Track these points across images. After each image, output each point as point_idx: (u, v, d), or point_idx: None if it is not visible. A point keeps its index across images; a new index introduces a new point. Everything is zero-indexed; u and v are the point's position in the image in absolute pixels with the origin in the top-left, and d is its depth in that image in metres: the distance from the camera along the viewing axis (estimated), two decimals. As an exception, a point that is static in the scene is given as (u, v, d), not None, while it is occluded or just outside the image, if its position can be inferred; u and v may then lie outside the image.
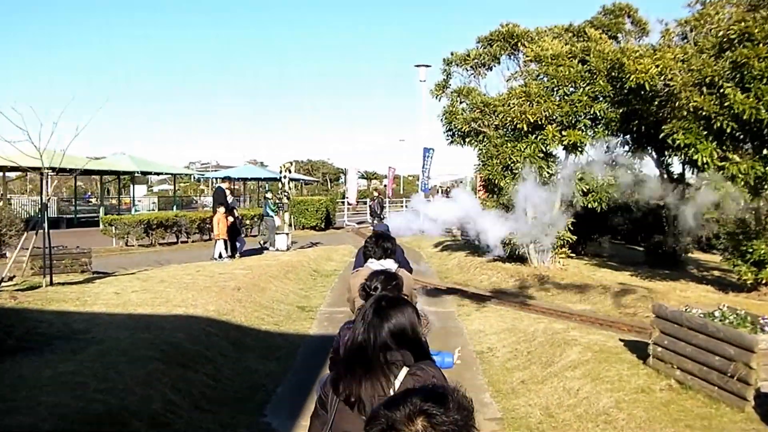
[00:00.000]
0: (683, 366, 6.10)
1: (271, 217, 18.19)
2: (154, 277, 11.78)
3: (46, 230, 10.17)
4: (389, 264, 4.32)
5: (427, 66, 24.91)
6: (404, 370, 2.12)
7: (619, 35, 13.70)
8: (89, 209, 34.48)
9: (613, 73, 11.91)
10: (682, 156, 10.12)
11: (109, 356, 6.51)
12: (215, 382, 6.78)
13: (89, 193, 48.55)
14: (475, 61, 13.71)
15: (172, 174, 34.19)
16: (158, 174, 34.96)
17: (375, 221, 26.36)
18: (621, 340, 7.58)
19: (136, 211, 28.33)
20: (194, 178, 46.05)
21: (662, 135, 10.25)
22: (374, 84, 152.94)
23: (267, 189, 24.11)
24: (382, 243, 4.44)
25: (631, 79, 10.84)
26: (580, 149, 12.88)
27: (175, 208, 31.17)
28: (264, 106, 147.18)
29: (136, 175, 30.14)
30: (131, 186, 32.94)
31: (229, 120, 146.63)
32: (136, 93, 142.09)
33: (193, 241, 20.65)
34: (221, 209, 15.44)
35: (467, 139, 13.74)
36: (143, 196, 38.28)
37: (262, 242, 19.14)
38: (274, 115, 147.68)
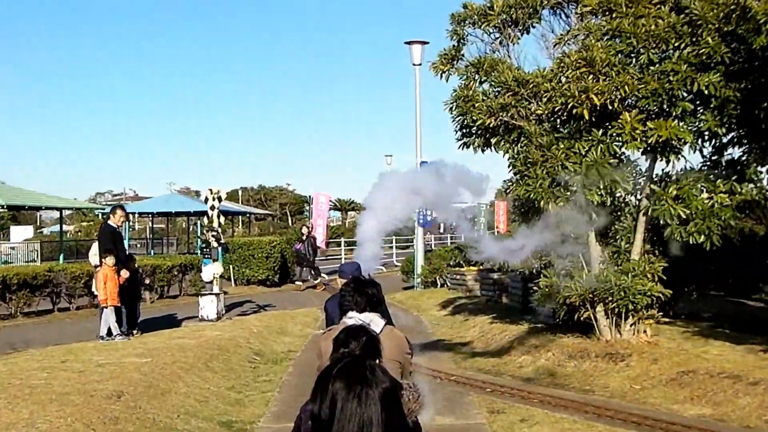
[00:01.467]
0: None
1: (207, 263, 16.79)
2: (-18, 376, 10.22)
3: None
4: (373, 319, 4.33)
5: (424, 42, 23.29)
6: None
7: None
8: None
9: (728, 27, 10.20)
10: None
11: None
12: None
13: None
14: (502, 17, 12.01)
15: (58, 208, 32.57)
16: (37, 209, 33.40)
17: (304, 271, 24.57)
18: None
19: (3, 263, 26.14)
20: (99, 214, 44.22)
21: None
22: (349, 83, 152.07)
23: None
24: (365, 289, 4.54)
25: (762, 31, 9.22)
26: (676, 151, 11.12)
27: (62, 257, 29.13)
28: (199, 121, 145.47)
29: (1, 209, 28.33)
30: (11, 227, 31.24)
31: (154, 137, 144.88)
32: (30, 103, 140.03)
33: (77, 308, 18.87)
34: (109, 259, 13.20)
35: (493, 140, 12.03)
36: (22, 242, 36.29)
37: None
38: (214, 133, 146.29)
